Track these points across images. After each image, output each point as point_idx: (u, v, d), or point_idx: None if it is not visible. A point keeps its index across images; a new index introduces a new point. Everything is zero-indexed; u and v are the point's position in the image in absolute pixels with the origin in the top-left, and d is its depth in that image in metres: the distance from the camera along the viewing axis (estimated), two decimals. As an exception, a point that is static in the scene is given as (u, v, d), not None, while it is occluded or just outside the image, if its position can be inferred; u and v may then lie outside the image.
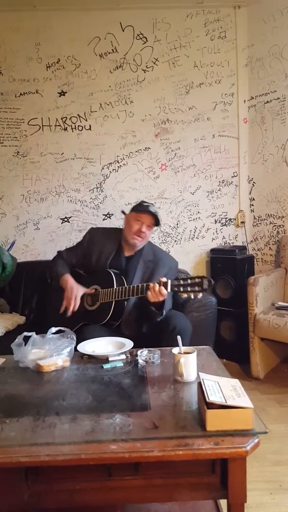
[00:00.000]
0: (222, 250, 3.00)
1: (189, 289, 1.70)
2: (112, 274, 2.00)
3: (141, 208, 2.06)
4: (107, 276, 2.01)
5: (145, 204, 2.09)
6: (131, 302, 2.00)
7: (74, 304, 1.99)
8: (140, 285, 1.87)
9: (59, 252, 2.26)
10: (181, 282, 1.73)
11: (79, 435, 1.02)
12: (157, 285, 1.77)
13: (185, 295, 1.72)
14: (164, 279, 1.78)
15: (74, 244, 2.31)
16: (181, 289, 1.72)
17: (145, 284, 1.84)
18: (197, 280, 1.70)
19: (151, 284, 1.79)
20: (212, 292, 2.82)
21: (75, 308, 2.00)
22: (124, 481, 1.04)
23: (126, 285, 1.96)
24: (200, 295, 1.70)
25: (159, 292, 1.76)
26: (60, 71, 2.96)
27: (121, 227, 2.22)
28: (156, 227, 2.15)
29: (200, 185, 3.10)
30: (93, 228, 2.32)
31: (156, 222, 2.05)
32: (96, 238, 2.19)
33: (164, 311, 1.90)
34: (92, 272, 2.13)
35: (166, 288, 1.75)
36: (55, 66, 2.95)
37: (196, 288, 1.69)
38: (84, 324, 2.01)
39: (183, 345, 1.36)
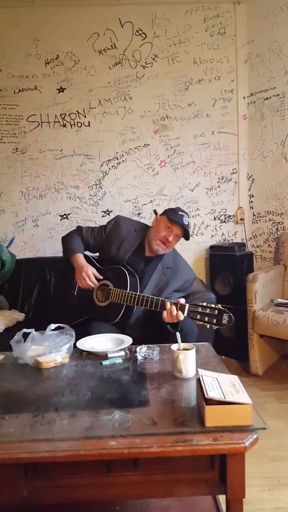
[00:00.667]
0: (221, 247, 3.00)
1: (206, 319, 1.62)
2: (127, 274, 1.91)
3: (175, 218, 1.93)
4: (121, 275, 1.93)
5: (180, 213, 1.96)
6: (140, 308, 1.92)
7: (88, 280, 1.91)
8: (155, 299, 1.77)
9: (78, 227, 2.16)
10: (199, 309, 1.64)
11: (78, 431, 1.02)
12: (174, 308, 1.68)
13: (200, 323, 1.65)
14: (182, 301, 1.69)
15: (97, 226, 2.20)
16: (198, 317, 1.64)
17: (160, 300, 1.76)
18: (216, 312, 1.61)
19: (168, 305, 1.69)
20: (211, 289, 2.83)
21: (90, 284, 1.92)
22: (123, 477, 1.04)
23: (139, 290, 1.89)
24: (215, 327, 1.62)
25: (176, 316, 1.67)
26: (59, 67, 2.94)
27: (149, 224, 2.13)
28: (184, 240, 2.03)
29: (199, 181, 3.10)
30: (120, 216, 2.19)
31: (185, 236, 1.96)
32: (121, 227, 2.08)
33: (180, 329, 1.77)
34: (107, 262, 2.02)
35: (183, 312, 1.67)
36: (54, 62, 2.94)
37: (214, 321, 1.60)
38: (89, 319, 1.96)
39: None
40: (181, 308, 1.68)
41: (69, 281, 2.09)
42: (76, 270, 1.97)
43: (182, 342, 1.38)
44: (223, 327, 1.62)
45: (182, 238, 2.00)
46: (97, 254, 2.16)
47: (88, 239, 2.11)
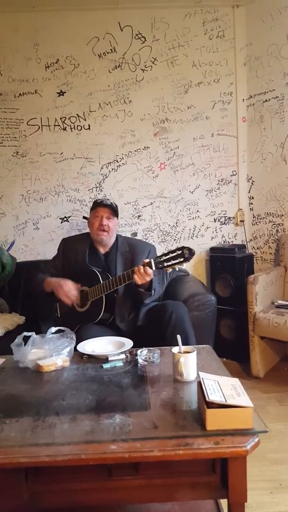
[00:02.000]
0: (221, 248, 3.00)
1: (172, 262, 1.75)
2: (96, 271, 2.04)
3: (95, 205, 2.16)
4: (92, 274, 2.04)
5: (99, 200, 2.19)
6: (120, 293, 2.03)
7: (71, 295, 2.00)
8: (125, 272, 1.89)
9: (38, 271, 2.34)
10: (163, 257, 1.78)
11: (79, 435, 1.02)
12: (141, 267, 1.82)
13: (170, 270, 1.78)
14: (146, 260, 1.83)
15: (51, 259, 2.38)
16: (165, 264, 1.77)
17: (130, 270, 1.87)
18: (178, 251, 1.74)
19: (136, 268, 1.83)
20: (211, 291, 2.83)
21: (74, 300, 2.02)
22: (124, 481, 1.04)
23: (111, 278, 1.99)
24: (184, 265, 1.74)
25: (145, 272, 1.81)
26: (59, 71, 2.95)
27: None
28: (116, 217, 2.18)
29: (199, 184, 3.10)
30: (65, 238, 2.39)
31: (114, 212, 2.12)
32: (69, 244, 2.27)
33: (154, 289, 1.94)
34: (76, 275, 2.12)
35: (150, 267, 1.80)
36: (54, 66, 2.95)
37: (179, 260, 1.73)
38: (80, 326, 1.99)
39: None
40: (148, 265, 1.81)
41: (48, 306, 2.21)
42: (54, 289, 2.04)
43: (182, 344, 1.38)
44: (189, 260, 1.74)
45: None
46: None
47: (51, 270, 2.25)
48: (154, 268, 1.80)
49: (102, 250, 2.20)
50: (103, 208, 2.13)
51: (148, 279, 1.84)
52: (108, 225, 2.11)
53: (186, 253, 1.72)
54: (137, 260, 2.10)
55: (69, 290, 2.00)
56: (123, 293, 2.05)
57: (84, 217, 2.25)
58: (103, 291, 1.95)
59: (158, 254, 1.94)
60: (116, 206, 2.19)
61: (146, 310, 2.08)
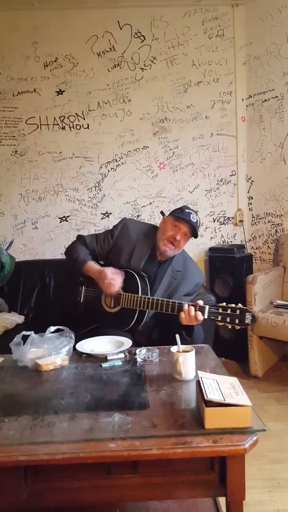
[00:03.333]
0: (220, 248, 3.00)
1: (228, 319, 1.57)
2: (137, 278, 1.83)
3: (180, 215, 1.84)
4: (131, 279, 1.84)
5: (187, 211, 1.86)
6: (150, 313, 1.85)
7: (115, 285, 1.80)
8: (171, 301, 1.70)
9: (79, 236, 2.02)
10: (220, 310, 1.59)
11: (78, 433, 1.02)
12: (192, 308, 1.62)
13: (221, 324, 1.60)
14: (201, 303, 1.63)
15: (100, 232, 2.08)
16: (219, 317, 1.58)
17: (177, 302, 1.68)
18: (238, 312, 1.56)
19: (186, 307, 1.63)
20: (210, 291, 2.83)
21: (117, 289, 1.81)
22: (123, 479, 1.04)
23: (149, 294, 1.82)
24: (238, 327, 1.57)
25: (195, 317, 1.61)
26: (58, 69, 2.95)
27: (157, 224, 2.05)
28: (193, 238, 1.93)
29: (198, 183, 3.10)
30: (127, 219, 2.06)
31: (194, 234, 1.86)
32: (129, 232, 1.96)
33: (194, 337, 1.74)
34: (119, 266, 1.90)
35: (203, 314, 1.61)
36: (53, 64, 2.95)
37: (236, 321, 1.56)
38: (97, 327, 1.89)
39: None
40: (201, 309, 1.62)
41: (73, 287, 2.00)
42: (98, 279, 1.83)
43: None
44: (247, 326, 1.58)
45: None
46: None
47: (94, 247, 1.97)
48: (206, 316, 1.60)
49: (159, 257, 1.93)
50: (187, 225, 1.83)
51: (194, 323, 1.63)
52: (180, 241, 1.85)
53: (247, 319, 1.54)
54: (182, 288, 1.90)
55: (112, 279, 1.78)
56: (155, 314, 1.86)
57: (161, 212, 2.01)
58: (139, 306, 1.77)
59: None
60: (199, 225, 1.92)
61: (161, 326, 1.93)
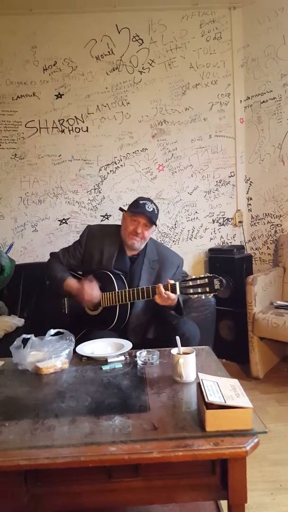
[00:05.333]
0: (220, 249, 3.00)
1: (199, 290, 1.63)
2: (112, 276, 1.89)
3: (136, 210, 1.92)
4: (107, 278, 1.91)
5: (141, 202, 1.94)
6: (138, 305, 1.90)
7: (97, 298, 1.87)
8: (145, 287, 1.78)
9: (53, 254, 2.11)
10: (190, 283, 1.65)
11: (78, 437, 1.02)
12: (162, 288, 1.69)
13: (195, 297, 1.66)
14: (171, 282, 1.69)
15: (70, 244, 2.15)
16: (191, 290, 1.65)
17: (150, 287, 1.76)
18: (207, 280, 1.62)
19: (157, 288, 1.70)
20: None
21: (96, 300, 1.88)
22: (124, 483, 1.03)
23: (127, 287, 1.88)
24: (211, 295, 1.64)
25: (167, 296, 1.68)
26: (57, 73, 2.96)
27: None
28: (154, 225, 2.00)
29: (197, 185, 3.11)
30: (91, 225, 2.14)
31: (152, 222, 1.93)
32: (95, 236, 2.04)
33: (184, 312, 1.81)
34: (93, 272, 1.98)
35: (174, 292, 1.68)
36: (52, 68, 2.96)
37: (207, 289, 1.62)
38: (88, 330, 1.92)
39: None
40: (172, 287, 1.68)
41: (56, 300, 2.08)
42: (77, 295, 1.90)
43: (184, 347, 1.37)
44: (217, 292, 1.63)
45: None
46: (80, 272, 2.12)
47: (68, 261, 2.05)
48: (178, 292, 1.67)
49: (129, 253, 2.00)
50: (144, 217, 1.90)
51: (169, 302, 1.70)
52: (143, 233, 1.92)
53: (216, 284, 1.60)
54: (164, 274, 1.94)
55: (91, 291, 1.85)
56: (142, 306, 1.91)
57: (120, 209, 2.06)
58: (118, 301, 1.83)
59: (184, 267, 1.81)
60: (158, 212, 1.97)
61: (156, 323, 1.98)
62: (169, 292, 1.68)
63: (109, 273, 1.92)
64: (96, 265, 1.98)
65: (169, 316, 1.82)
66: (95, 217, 3.09)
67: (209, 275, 1.64)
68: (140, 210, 1.91)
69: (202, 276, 1.65)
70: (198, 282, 1.65)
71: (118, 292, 1.84)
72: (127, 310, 1.90)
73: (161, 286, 1.70)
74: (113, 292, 1.86)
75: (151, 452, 0.95)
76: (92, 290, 1.87)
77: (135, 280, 1.95)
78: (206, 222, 3.15)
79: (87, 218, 3.08)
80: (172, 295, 1.68)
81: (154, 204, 1.98)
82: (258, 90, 2.97)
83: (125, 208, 2.05)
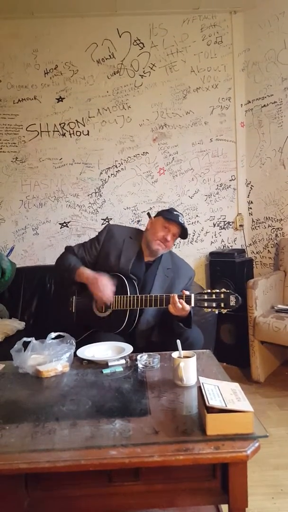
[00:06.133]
0: (221, 253, 3.00)
1: (214, 304, 1.62)
2: (125, 280, 1.86)
3: (170, 217, 1.91)
4: (120, 282, 1.87)
5: (176, 213, 1.95)
6: (148, 311, 1.88)
7: (108, 294, 1.82)
8: (159, 295, 1.76)
9: (68, 248, 2.06)
10: (205, 297, 1.65)
11: (79, 441, 1.02)
12: (178, 299, 1.67)
13: (208, 310, 1.65)
14: (187, 293, 1.68)
15: (86, 240, 2.10)
16: (205, 304, 1.64)
17: (164, 296, 1.75)
18: (222, 296, 1.62)
19: (172, 297, 1.69)
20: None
21: (110, 299, 1.84)
22: (125, 487, 1.03)
23: (138, 293, 1.85)
24: (225, 311, 1.63)
25: (182, 307, 1.66)
26: (58, 77, 2.97)
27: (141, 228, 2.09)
28: (181, 239, 2.03)
29: (198, 189, 3.11)
30: (112, 224, 2.12)
31: (183, 235, 1.95)
32: (115, 236, 2.00)
33: (192, 326, 1.79)
34: (108, 272, 1.93)
35: (189, 303, 1.67)
36: (53, 72, 2.97)
37: (222, 305, 1.62)
38: (94, 331, 1.90)
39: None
40: (187, 299, 1.67)
41: (63, 298, 2.03)
42: (90, 284, 1.85)
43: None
44: (232, 309, 1.62)
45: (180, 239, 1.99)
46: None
47: (82, 255, 2.00)
48: (193, 304, 1.66)
49: (146, 257, 1.98)
50: (177, 226, 1.91)
51: (183, 313, 1.68)
52: (170, 242, 1.92)
53: (232, 301, 1.60)
54: (177, 284, 1.95)
55: (105, 286, 1.82)
56: (151, 313, 1.89)
57: (148, 214, 2.07)
58: (130, 305, 1.80)
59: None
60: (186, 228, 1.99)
61: (161, 326, 1.96)
62: (184, 302, 1.67)
63: (122, 276, 1.89)
64: (112, 266, 1.94)
65: (176, 326, 1.79)
66: (96, 220, 3.09)
67: (225, 291, 1.64)
68: (175, 219, 1.91)
69: (219, 291, 1.65)
70: (214, 296, 1.64)
71: (131, 297, 1.81)
72: (136, 315, 1.87)
73: (175, 296, 1.69)
74: (125, 296, 1.83)
75: (152, 456, 0.95)
76: (107, 286, 1.83)
77: (148, 286, 1.93)
78: (207, 226, 3.15)
79: (87, 221, 3.09)
80: (187, 306, 1.67)
81: (184, 219, 1.99)
82: (259, 94, 2.98)
83: (152, 214, 2.06)
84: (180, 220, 1.92)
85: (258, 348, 2.55)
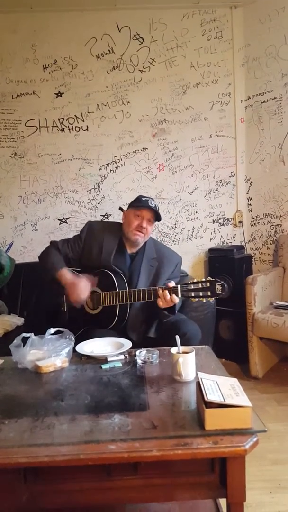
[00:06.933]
0: (220, 249, 3.01)
1: (200, 294, 1.64)
2: (112, 276, 1.89)
3: (139, 204, 1.95)
4: (107, 277, 1.90)
5: (144, 198, 1.97)
6: (136, 304, 1.90)
7: (80, 299, 1.85)
8: (147, 289, 1.78)
9: (53, 242, 2.07)
10: (192, 287, 1.67)
11: (78, 435, 1.02)
12: (166, 292, 1.70)
13: (196, 300, 1.67)
14: (172, 284, 1.71)
15: (71, 237, 2.12)
16: (192, 294, 1.66)
17: (152, 289, 1.77)
18: (208, 284, 1.63)
19: (160, 291, 1.71)
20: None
21: (82, 303, 1.88)
22: (123, 481, 1.03)
23: (127, 288, 1.88)
24: (212, 299, 1.65)
25: (170, 299, 1.69)
26: (57, 72, 2.96)
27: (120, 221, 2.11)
28: (156, 222, 2.04)
29: (197, 185, 3.11)
30: (91, 221, 2.15)
31: (157, 217, 1.96)
32: (95, 232, 2.04)
33: (176, 311, 1.83)
34: (91, 270, 1.97)
35: (176, 294, 1.69)
36: (52, 67, 2.95)
37: (208, 293, 1.63)
38: (88, 328, 1.92)
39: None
40: (174, 290, 1.70)
41: (56, 298, 2.06)
42: (68, 288, 1.88)
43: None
44: (219, 297, 1.64)
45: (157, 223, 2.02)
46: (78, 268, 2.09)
47: (66, 252, 2.03)
48: (179, 295, 1.69)
49: (129, 250, 2.01)
50: (148, 210, 1.93)
51: (171, 305, 1.72)
52: (147, 228, 1.94)
53: (218, 288, 1.61)
54: (162, 273, 1.97)
55: (81, 292, 1.84)
56: (140, 305, 1.92)
57: (120, 208, 2.09)
58: (118, 301, 1.83)
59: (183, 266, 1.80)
60: (159, 209, 2.00)
61: (158, 322, 1.99)
62: (174, 296, 1.69)
63: (110, 272, 1.92)
64: (94, 260, 1.98)
65: (161, 314, 1.84)
66: (95, 216, 3.09)
67: (211, 279, 1.65)
68: (145, 205, 1.94)
69: (204, 280, 1.66)
70: (200, 286, 1.66)
71: (119, 292, 1.84)
72: (127, 309, 1.90)
73: (166, 291, 1.70)
74: (113, 292, 1.85)
75: (151, 450, 0.95)
76: (82, 292, 1.85)
77: (134, 279, 1.96)
78: (206, 222, 3.15)
79: (87, 217, 3.08)
80: (175, 298, 1.70)
81: (155, 202, 2.00)
82: (259, 90, 2.97)
83: (125, 208, 2.06)
84: (150, 204, 1.93)
85: (256, 344, 2.56)
